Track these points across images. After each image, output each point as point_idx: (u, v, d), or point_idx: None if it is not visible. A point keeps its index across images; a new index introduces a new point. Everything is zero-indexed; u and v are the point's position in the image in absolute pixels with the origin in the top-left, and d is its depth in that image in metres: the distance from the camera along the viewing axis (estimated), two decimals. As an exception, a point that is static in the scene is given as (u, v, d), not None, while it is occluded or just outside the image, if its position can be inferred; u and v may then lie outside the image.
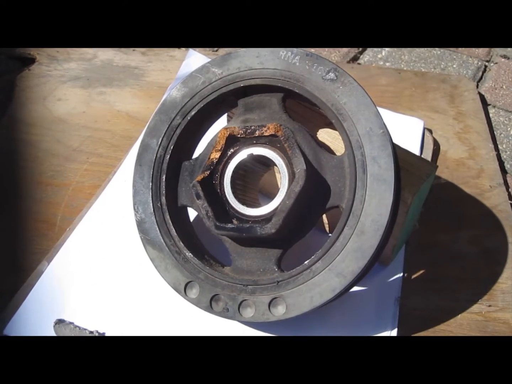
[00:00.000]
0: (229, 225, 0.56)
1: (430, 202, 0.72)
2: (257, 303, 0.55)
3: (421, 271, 0.68)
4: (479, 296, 0.66)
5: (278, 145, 0.57)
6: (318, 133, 0.63)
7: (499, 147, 0.92)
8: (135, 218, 0.62)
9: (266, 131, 0.57)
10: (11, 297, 0.63)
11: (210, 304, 0.57)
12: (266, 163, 0.61)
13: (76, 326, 0.60)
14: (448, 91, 0.99)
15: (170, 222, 0.61)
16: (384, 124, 0.54)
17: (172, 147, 0.62)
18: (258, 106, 0.60)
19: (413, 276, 0.68)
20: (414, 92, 0.99)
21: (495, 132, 0.95)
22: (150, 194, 0.62)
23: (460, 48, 1.15)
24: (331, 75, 0.56)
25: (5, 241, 0.70)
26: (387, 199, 0.52)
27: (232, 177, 0.59)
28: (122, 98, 0.94)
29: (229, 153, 0.59)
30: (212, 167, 0.59)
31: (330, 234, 0.55)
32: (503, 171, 0.87)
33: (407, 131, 0.86)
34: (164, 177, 0.62)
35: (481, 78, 1.08)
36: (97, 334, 0.59)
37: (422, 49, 1.15)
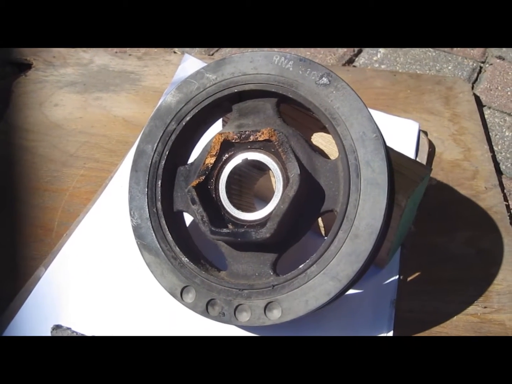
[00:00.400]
0: (224, 230, 0.56)
1: (425, 204, 0.72)
2: (253, 307, 0.56)
3: (417, 273, 0.69)
4: (474, 298, 0.66)
5: (273, 150, 0.58)
6: (312, 137, 0.63)
7: (494, 148, 0.92)
8: (131, 223, 0.62)
9: (260, 136, 0.57)
10: (9, 303, 0.63)
11: (206, 309, 0.57)
12: (261, 168, 0.62)
13: (73, 331, 0.60)
14: (443, 93, 1.00)
15: (166, 227, 0.61)
16: (377, 128, 0.54)
17: (167, 153, 0.62)
18: (253, 111, 0.61)
19: (409, 278, 0.68)
20: (409, 94, 0.99)
21: (490, 133, 0.95)
22: (146, 199, 0.62)
23: (455, 49, 1.15)
24: (324, 80, 0.57)
25: (3, 247, 0.70)
26: (381, 202, 0.53)
27: (227, 182, 0.59)
28: (118, 103, 0.94)
29: (224, 158, 0.60)
30: (207, 172, 0.59)
31: (325, 237, 0.55)
32: (498, 172, 0.87)
33: (402, 134, 0.86)
34: (159, 182, 0.62)
35: (476, 79, 1.08)
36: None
37: (417, 51, 1.15)
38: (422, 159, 0.83)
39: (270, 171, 0.58)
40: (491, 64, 1.12)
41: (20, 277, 0.66)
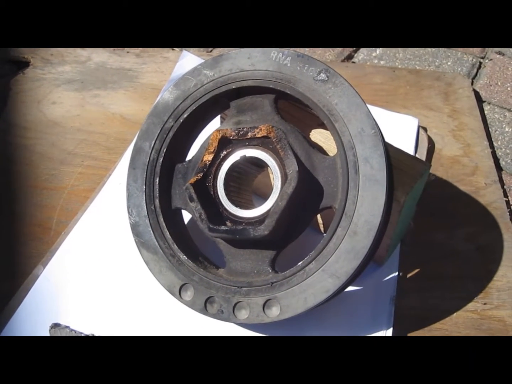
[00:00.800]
0: (223, 227, 0.56)
1: (424, 200, 0.72)
2: (252, 304, 0.55)
3: (416, 270, 0.68)
4: (474, 294, 0.66)
5: (271, 147, 0.57)
6: (310, 133, 0.63)
7: (494, 144, 0.92)
8: (129, 221, 0.62)
9: (258, 132, 0.57)
10: (7, 302, 0.63)
11: (205, 306, 0.57)
12: (259, 165, 0.61)
13: (71, 330, 0.60)
14: (443, 89, 0.99)
15: (164, 224, 0.61)
16: (375, 124, 0.54)
17: (165, 150, 0.62)
18: (251, 107, 0.60)
19: (408, 275, 0.68)
20: (409, 90, 0.99)
21: (490, 129, 0.95)
22: (144, 197, 0.62)
23: (454, 45, 1.15)
24: (322, 76, 0.56)
25: (1, 245, 0.70)
26: (380, 199, 0.52)
27: (225, 179, 0.59)
28: (116, 100, 0.94)
29: (222, 155, 0.59)
30: (205, 169, 0.59)
31: (324, 234, 0.55)
32: (498, 168, 0.87)
33: (401, 130, 0.86)
34: (157, 180, 0.62)
35: (476, 75, 1.08)
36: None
37: (416, 47, 1.15)
38: (422, 155, 0.83)
39: (268, 168, 0.58)
40: (491, 60, 1.11)
41: (18, 275, 0.66)
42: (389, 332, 0.60)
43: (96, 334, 0.60)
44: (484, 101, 1.01)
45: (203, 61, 0.63)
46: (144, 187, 0.62)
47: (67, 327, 0.60)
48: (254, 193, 0.69)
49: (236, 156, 0.59)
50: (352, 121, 0.54)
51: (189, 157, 0.64)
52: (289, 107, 0.64)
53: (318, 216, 0.69)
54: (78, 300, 0.63)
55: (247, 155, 0.58)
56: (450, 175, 0.82)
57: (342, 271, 0.53)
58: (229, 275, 0.58)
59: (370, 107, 0.56)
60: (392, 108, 0.92)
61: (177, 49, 1.08)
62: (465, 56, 1.12)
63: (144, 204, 0.62)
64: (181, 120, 0.62)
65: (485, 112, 0.99)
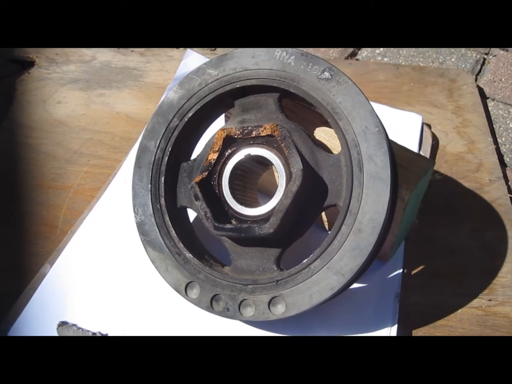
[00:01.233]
0: (228, 226, 0.56)
1: (429, 197, 0.72)
2: (257, 302, 0.56)
3: (421, 267, 0.69)
4: (479, 291, 0.66)
5: (275, 145, 0.58)
6: (315, 131, 0.63)
7: (498, 140, 0.92)
8: (135, 220, 0.63)
9: (262, 131, 0.57)
10: (15, 300, 0.63)
11: (211, 304, 0.58)
12: (263, 163, 0.62)
13: (79, 328, 0.60)
14: (447, 85, 0.99)
15: (169, 223, 0.61)
16: (379, 122, 0.54)
17: (170, 149, 0.62)
18: (255, 106, 0.61)
19: (413, 272, 0.68)
20: (413, 87, 0.99)
21: (494, 126, 0.95)
22: (150, 196, 0.62)
23: (458, 41, 1.14)
24: (326, 74, 0.57)
25: (8, 245, 0.71)
26: (384, 197, 0.52)
27: (230, 177, 0.59)
28: (121, 99, 0.94)
29: (227, 153, 0.60)
30: (210, 168, 0.59)
31: (329, 232, 0.55)
32: (503, 164, 0.87)
33: (405, 127, 0.86)
34: (162, 178, 0.62)
35: (480, 71, 1.08)
36: (99, 335, 0.60)
37: (420, 43, 1.15)
38: (426, 152, 0.83)
39: (273, 166, 0.58)
40: (495, 56, 1.11)
41: (25, 274, 0.67)
42: (394, 329, 0.60)
43: (103, 332, 0.60)
44: (488, 98, 1.01)
45: (207, 59, 0.64)
46: (150, 186, 0.62)
47: (74, 325, 0.60)
48: (259, 191, 0.70)
49: (240, 154, 0.59)
50: (356, 119, 0.54)
51: (194, 156, 0.65)
52: (293, 105, 0.64)
53: (323, 213, 0.69)
54: (85, 298, 0.64)
55: (251, 153, 0.59)
56: (454, 172, 0.82)
57: (347, 268, 0.53)
58: (234, 273, 0.58)
59: (374, 104, 0.56)
60: (396, 105, 0.92)
61: (181, 47, 1.08)
62: (469, 53, 1.12)
63: (150, 203, 0.62)
64: (186, 119, 0.62)
65: (489, 108, 0.98)
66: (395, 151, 0.56)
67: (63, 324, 0.60)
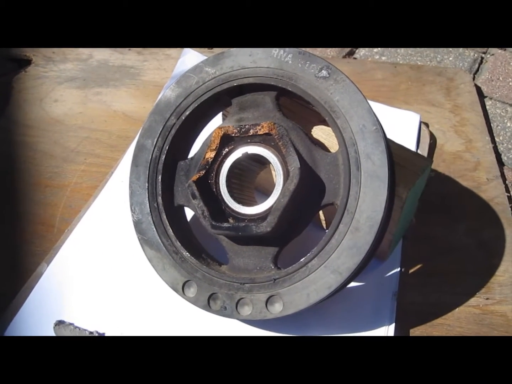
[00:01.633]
0: (225, 224, 0.56)
1: (426, 196, 0.72)
2: (255, 301, 0.56)
3: (418, 265, 0.69)
4: (476, 289, 0.66)
5: (273, 144, 0.57)
6: (312, 130, 0.63)
7: (496, 139, 0.92)
8: (132, 218, 0.63)
9: (260, 129, 0.57)
10: (11, 299, 0.63)
11: (208, 303, 0.58)
12: (261, 162, 0.62)
13: (76, 327, 0.60)
14: (444, 84, 0.99)
15: (167, 222, 0.61)
16: (377, 120, 0.54)
17: (167, 147, 0.62)
18: (252, 104, 0.61)
19: (411, 271, 0.68)
20: (410, 86, 0.99)
21: (492, 124, 0.95)
22: (147, 194, 0.62)
23: (456, 40, 1.14)
24: (324, 72, 0.56)
25: (4, 244, 0.70)
26: (381, 195, 0.52)
27: (227, 176, 0.59)
28: (118, 98, 0.94)
29: (224, 152, 0.60)
30: (207, 167, 0.59)
31: (326, 231, 0.55)
32: (500, 163, 0.87)
33: (403, 125, 0.86)
34: (160, 177, 0.62)
35: (477, 70, 1.08)
36: (96, 335, 0.60)
37: (418, 42, 1.15)
38: (423, 151, 0.83)
39: (270, 165, 0.58)
40: (493, 55, 1.11)
41: (22, 273, 0.66)
42: (391, 328, 0.60)
43: (100, 332, 0.60)
44: (486, 96, 1.01)
45: (204, 58, 0.64)
46: (147, 184, 0.62)
47: (71, 324, 0.60)
48: (256, 190, 0.70)
49: (238, 153, 0.59)
50: (354, 118, 0.54)
51: (191, 154, 0.65)
52: (290, 104, 0.64)
53: (320, 212, 0.69)
54: (82, 297, 0.64)
55: (249, 152, 0.58)
56: (452, 171, 0.82)
57: (344, 267, 0.53)
58: (232, 271, 0.58)
59: (371, 103, 0.56)
60: (393, 104, 0.92)
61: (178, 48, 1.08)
62: (466, 51, 1.12)
63: (147, 202, 0.62)
64: (183, 118, 0.62)
65: (487, 107, 0.99)
66: (393, 150, 0.56)
67: (60, 323, 0.60)
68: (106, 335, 0.60)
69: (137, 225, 0.62)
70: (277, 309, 0.55)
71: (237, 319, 0.58)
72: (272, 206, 0.56)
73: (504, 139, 0.92)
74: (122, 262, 0.67)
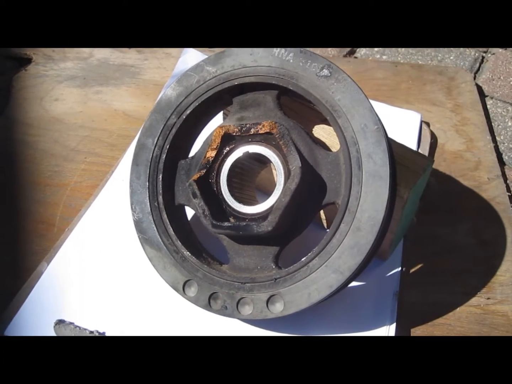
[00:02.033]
0: (226, 224, 0.56)
1: (427, 196, 0.72)
2: (255, 300, 0.56)
3: (420, 265, 0.69)
4: (477, 289, 0.66)
5: (274, 143, 0.57)
6: (313, 129, 0.63)
7: (497, 138, 0.92)
8: (133, 218, 0.62)
9: (261, 128, 0.57)
10: (11, 298, 0.63)
11: (209, 302, 0.57)
12: (262, 161, 0.62)
13: (76, 326, 0.60)
14: (445, 83, 0.99)
15: (167, 221, 0.61)
16: (378, 120, 0.54)
17: (168, 147, 0.62)
18: (253, 103, 0.60)
19: (412, 270, 0.68)
20: (411, 85, 0.99)
21: (493, 124, 0.95)
22: (147, 193, 0.62)
23: (457, 39, 1.14)
24: (325, 71, 0.56)
25: (5, 242, 0.70)
26: (383, 195, 0.52)
27: (228, 175, 0.59)
28: (118, 97, 0.94)
29: (225, 151, 0.59)
30: (208, 166, 0.59)
31: (327, 230, 0.55)
32: (501, 163, 0.87)
33: (404, 125, 0.86)
34: (160, 176, 0.62)
35: (478, 69, 1.08)
36: (97, 334, 0.59)
37: (418, 42, 1.14)
38: (424, 150, 0.83)
39: (271, 164, 0.58)
40: (494, 54, 1.11)
41: (22, 272, 0.66)
42: (392, 327, 0.60)
43: (101, 331, 0.60)
44: (487, 96, 1.01)
45: (205, 56, 0.63)
46: (147, 183, 0.62)
47: (71, 323, 0.60)
48: (257, 189, 0.69)
49: (239, 152, 0.59)
50: (355, 117, 0.54)
51: (192, 153, 0.65)
52: (291, 103, 0.64)
53: (321, 212, 0.69)
54: (82, 296, 0.64)
55: (250, 151, 0.58)
56: (453, 170, 0.82)
57: (345, 266, 0.53)
58: (232, 271, 0.58)
59: (372, 102, 0.56)
60: (394, 103, 0.92)
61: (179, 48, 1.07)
62: (467, 51, 1.12)
63: (148, 201, 0.62)
64: (184, 117, 0.62)
65: (488, 106, 0.98)
66: (394, 149, 0.56)
67: (60, 322, 0.60)
68: (106, 334, 0.60)
69: (138, 224, 0.62)
70: (278, 308, 0.55)
71: (238, 318, 0.58)
72: (273, 206, 0.55)
73: (505, 139, 0.92)
74: (123, 262, 0.67)
